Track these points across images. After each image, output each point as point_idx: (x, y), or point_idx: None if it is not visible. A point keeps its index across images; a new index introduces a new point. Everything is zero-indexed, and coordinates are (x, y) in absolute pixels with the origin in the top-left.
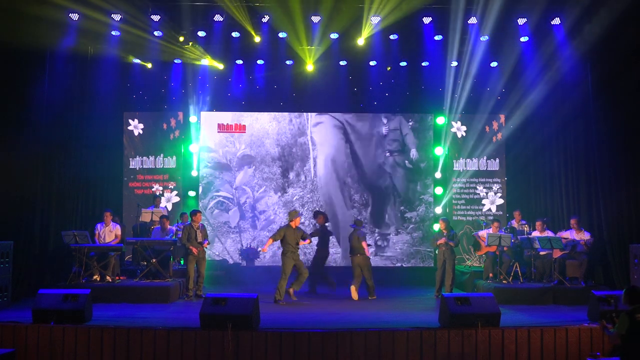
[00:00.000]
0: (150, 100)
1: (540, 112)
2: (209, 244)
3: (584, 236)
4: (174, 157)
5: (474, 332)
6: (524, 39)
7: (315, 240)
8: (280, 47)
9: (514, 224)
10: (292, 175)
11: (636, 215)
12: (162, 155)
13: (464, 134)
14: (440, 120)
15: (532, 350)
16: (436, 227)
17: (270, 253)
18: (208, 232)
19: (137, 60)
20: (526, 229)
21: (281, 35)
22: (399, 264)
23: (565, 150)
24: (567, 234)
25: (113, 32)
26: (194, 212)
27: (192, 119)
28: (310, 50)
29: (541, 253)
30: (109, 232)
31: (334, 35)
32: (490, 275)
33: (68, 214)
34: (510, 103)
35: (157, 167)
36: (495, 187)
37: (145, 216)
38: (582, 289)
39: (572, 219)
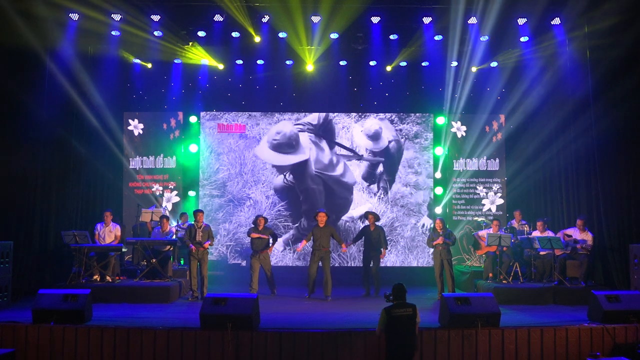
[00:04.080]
0: (150, 100)
1: (540, 112)
2: (211, 244)
3: (587, 236)
4: (174, 157)
5: (474, 332)
6: (524, 39)
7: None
8: (280, 47)
9: (514, 224)
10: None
11: (636, 216)
12: (162, 155)
13: (464, 134)
14: (440, 120)
15: (532, 350)
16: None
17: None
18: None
19: (137, 60)
20: (526, 229)
21: (281, 35)
22: (398, 264)
23: (565, 150)
24: (571, 231)
25: (113, 32)
26: (196, 212)
27: (192, 119)
28: (310, 50)
29: (541, 253)
30: (109, 232)
31: (334, 35)
32: (490, 275)
33: (68, 214)
34: (510, 103)
35: (157, 167)
36: (495, 187)
37: (145, 216)
38: (582, 289)
39: (578, 220)
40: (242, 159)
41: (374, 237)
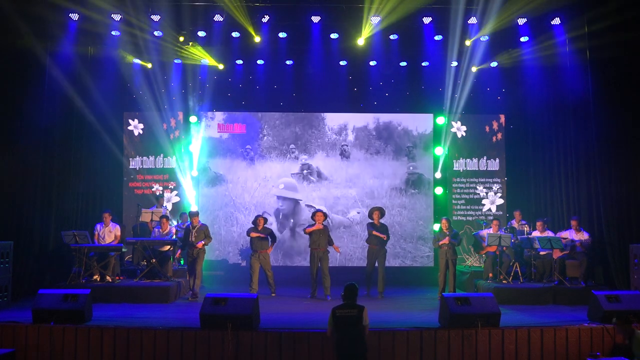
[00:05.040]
0: (150, 100)
1: (540, 112)
2: (206, 244)
3: (583, 236)
4: (174, 157)
5: (474, 332)
6: (524, 39)
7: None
8: (280, 47)
9: (514, 224)
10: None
11: (636, 215)
12: (162, 155)
13: (464, 134)
14: (440, 120)
15: (532, 350)
16: (436, 227)
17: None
18: (210, 232)
19: (137, 60)
20: (526, 229)
21: (281, 35)
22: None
23: (565, 150)
24: (566, 234)
25: (113, 32)
26: (191, 214)
27: (192, 119)
28: (310, 50)
29: (541, 253)
30: (109, 232)
31: (334, 35)
32: (490, 275)
33: (68, 214)
34: (510, 103)
35: (157, 167)
36: (495, 187)
37: (145, 216)
38: (582, 289)
39: (572, 220)
40: (240, 158)
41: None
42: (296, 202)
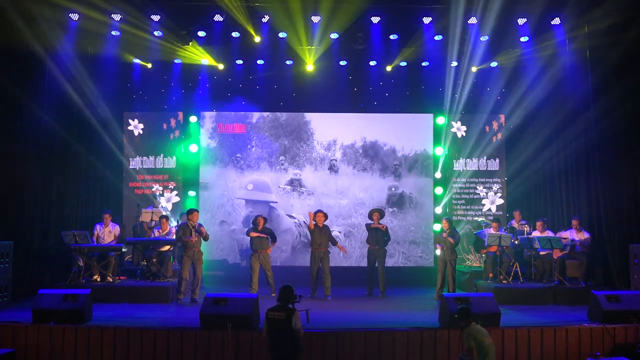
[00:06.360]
0: (150, 100)
1: (540, 112)
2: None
3: (583, 236)
4: (174, 157)
5: None
6: (524, 39)
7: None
8: (280, 47)
9: (514, 224)
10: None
11: (636, 215)
12: (162, 155)
13: (464, 134)
14: (440, 120)
15: (532, 350)
16: (436, 227)
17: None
18: (209, 232)
19: (137, 60)
20: (526, 229)
21: (281, 35)
22: (398, 264)
23: (565, 150)
24: (566, 234)
25: (113, 32)
26: (190, 211)
27: (192, 119)
28: (310, 50)
29: (541, 253)
30: (109, 233)
31: (334, 35)
32: (490, 275)
33: (68, 214)
34: (510, 103)
35: (157, 167)
36: (495, 187)
37: (145, 216)
38: (582, 289)
39: (573, 220)
40: (240, 158)
41: (378, 235)
42: (270, 207)
